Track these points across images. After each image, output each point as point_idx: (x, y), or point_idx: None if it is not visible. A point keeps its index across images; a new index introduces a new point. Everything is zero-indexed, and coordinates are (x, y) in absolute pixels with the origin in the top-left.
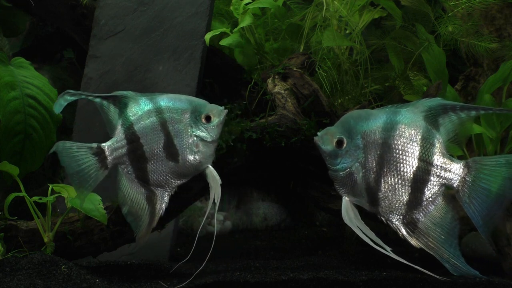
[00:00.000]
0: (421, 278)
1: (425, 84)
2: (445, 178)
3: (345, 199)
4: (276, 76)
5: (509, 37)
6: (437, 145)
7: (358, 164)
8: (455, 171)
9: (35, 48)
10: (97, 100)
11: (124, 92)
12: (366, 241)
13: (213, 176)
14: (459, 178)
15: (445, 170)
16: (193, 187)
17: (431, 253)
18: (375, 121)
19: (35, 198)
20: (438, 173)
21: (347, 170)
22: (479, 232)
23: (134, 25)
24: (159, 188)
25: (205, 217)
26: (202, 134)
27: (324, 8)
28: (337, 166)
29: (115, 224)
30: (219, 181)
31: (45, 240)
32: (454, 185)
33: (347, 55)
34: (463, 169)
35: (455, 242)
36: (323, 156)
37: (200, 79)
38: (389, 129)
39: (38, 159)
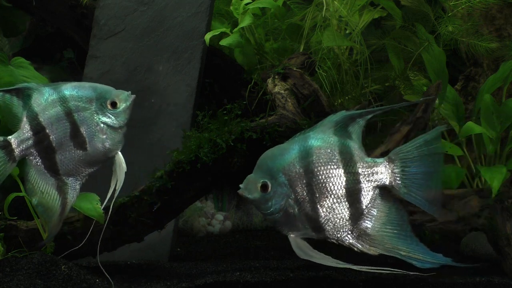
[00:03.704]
0: (422, 278)
1: (425, 84)
2: (375, 180)
3: (291, 237)
4: (276, 76)
5: (509, 37)
6: (356, 153)
7: (290, 200)
8: (381, 170)
9: (35, 48)
10: None
11: (26, 84)
12: (329, 265)
13: (120, 163)
14: (388, 174)
15: (372, 173)
16: (192, 187)
17: (392, 255)
18: (290, 153)
19: None
20: (367, 179)
21: (281, 210)
22: (429, 213)
23: (134, 25)
24: (70, 178)
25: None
26: (108, 120)
27: (324, 8)
28: (271, 210)
29: (115, 224)
30: (125, 169)
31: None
32: (387, 182)
33: (347, 55)
34: (388, 164)
35: (409, 229)
36: (255, 205)
37: (200, 79)
38: (306, 156)
39: None
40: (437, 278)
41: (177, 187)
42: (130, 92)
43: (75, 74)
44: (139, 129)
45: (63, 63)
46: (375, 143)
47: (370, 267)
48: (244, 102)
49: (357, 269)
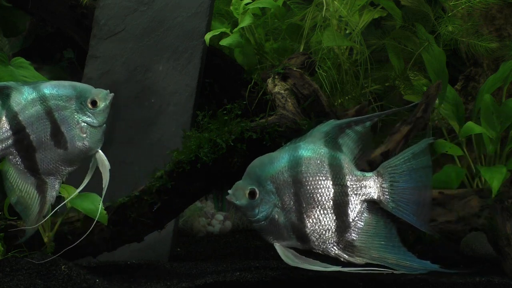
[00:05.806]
0: (421, 278)
1: (425, 84)
2: (364, 194)
3: (277, 245)
4: (276, 76)
5: (509, 37)
6: (345, 165)
7: (276, 208)
8: (370, 184)
9: (35, 48)
10: None
11: (4, 83)
12: (317, 269)
13: (102, 161)
14: (377, 189)
15: (361, 187)
16: (192, 187)
17: (379, 263)
18: (279, 162)
19: None
20: (355, 192)
21: (268, 218)
22: (418, 227)
23: (134, 25)
24: (49, 177)
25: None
26: (88, 119)
27: (324, 8)
28: (257, 217)
29: (115, 224)
30: (108, 167)
31: (45, 240)
32: (375, 197)
33: (347, 55)
34: (376, 179)
35: (397, 240)
36: (242, 212)
37: (200, 79)
38: (295, 166)
39: None
40: (437, 278)
41: (177, 187)
42: (109, 90)
43: (75, 74)
44: (139, 129)
45: (63, 63)
46: (375, 143)
47: (360, 269)
48: (244, 102)
49: (347, 271)
